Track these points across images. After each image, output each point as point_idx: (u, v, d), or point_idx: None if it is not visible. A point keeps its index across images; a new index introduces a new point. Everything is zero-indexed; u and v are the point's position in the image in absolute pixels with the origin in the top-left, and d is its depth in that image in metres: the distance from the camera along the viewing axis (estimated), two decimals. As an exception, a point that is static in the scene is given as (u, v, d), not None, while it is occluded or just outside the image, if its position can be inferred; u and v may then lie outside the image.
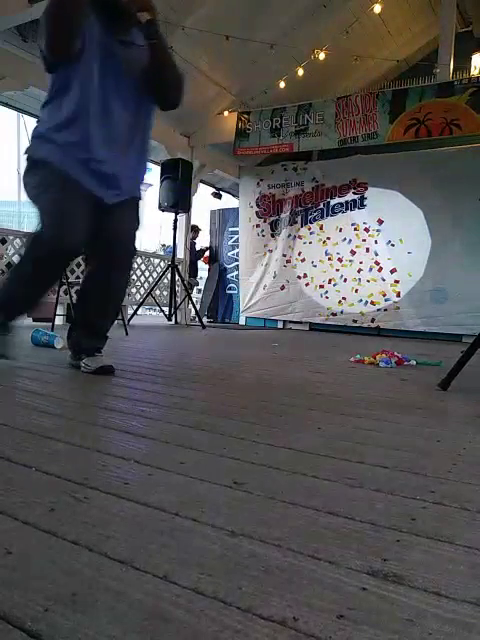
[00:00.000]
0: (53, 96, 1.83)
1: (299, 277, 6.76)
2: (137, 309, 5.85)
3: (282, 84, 5.85)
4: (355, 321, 6.30)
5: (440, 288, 5.72)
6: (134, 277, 6.17)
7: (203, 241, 8.34)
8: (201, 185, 7.60)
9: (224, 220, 8.02)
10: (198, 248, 8.11)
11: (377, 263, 6.20)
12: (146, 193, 2.08)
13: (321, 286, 6.59)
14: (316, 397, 1.74)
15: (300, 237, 6.79)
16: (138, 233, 2.06)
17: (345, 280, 6.41)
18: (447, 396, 1.86)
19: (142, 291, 6.16)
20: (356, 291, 6.33)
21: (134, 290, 6.16)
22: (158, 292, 6.31)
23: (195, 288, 8.81)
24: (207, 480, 0.84)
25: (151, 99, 1.94)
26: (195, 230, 7.91)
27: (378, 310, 6.17)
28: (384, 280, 6.14)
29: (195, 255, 7.87)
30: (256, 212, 7.11)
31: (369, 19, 5.68)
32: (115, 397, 1.52)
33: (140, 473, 0.86)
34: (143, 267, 6.31)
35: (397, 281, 6.06)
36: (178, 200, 5.41)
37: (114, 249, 1.93)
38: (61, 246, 1.78)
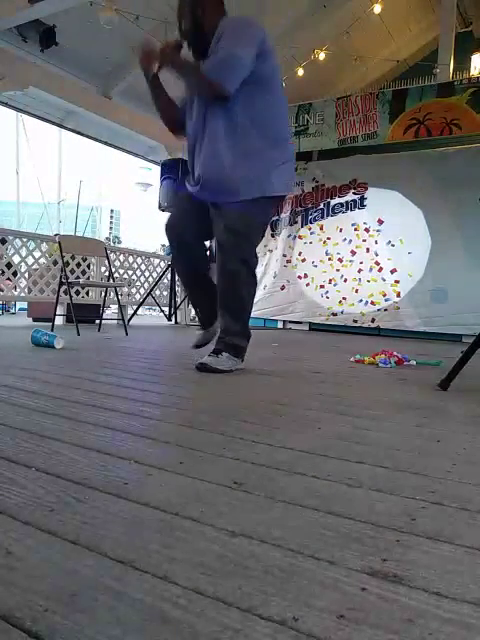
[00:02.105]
0: None
1: (299, 277, 6.76)
2: (137, 309, 5.85)
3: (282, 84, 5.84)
4: (355, 321, 6.30)
5: (440, 288, 5.72)
6: (134, 277, 6.17)
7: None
8: (201, 185, 7.59)
9: (224, 220, 8.02)
10: None
11: (377, 263, 6.20)
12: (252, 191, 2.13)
13: (321, 286, 6.59)
14: (316, 397, 1.74)
15: (300, 237, 6.79)
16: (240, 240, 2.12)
17: (345, 280, 6.41)
18: (447, 396, 1.86)
19: (142, 291, 6.16)
20: (356, 291, 6.33)
21: (134, 290, 6.16)
22: (158, 292, 6.31)
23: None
24: (207, 480, 0.84)
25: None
26: None
27: (378, 310, 6.17)
28: (384, 280, 6.14)
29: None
30: (256, 212, 7.10)
31: (369, 19, 5.67)
32: (115, 397, 1.52)
33: (140, 473, 0.86)
34: (143, 267, 6.32)
35: (397, 281, 6.05)
36: (178, 200, 5.42)
37: (214, 252, 2.18)
38: (167, 232, 2.24)
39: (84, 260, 5.49)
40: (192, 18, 2.05)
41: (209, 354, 2.16)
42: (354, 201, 6.36)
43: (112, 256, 5.58)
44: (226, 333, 2.18)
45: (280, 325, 7.07)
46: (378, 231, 6.20)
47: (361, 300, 6.29)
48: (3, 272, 4.64)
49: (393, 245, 6.09)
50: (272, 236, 6.99)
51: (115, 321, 6.01)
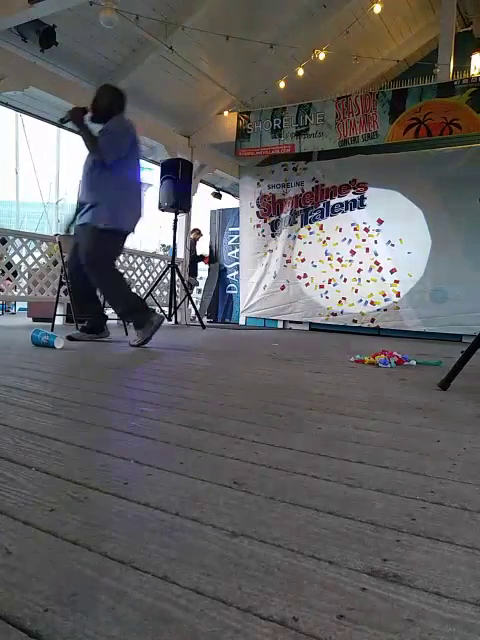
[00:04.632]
0: None
1: (299, 277, 6.76)
2: (137, 309, 5.84)
3: (282, 84, 5.84)
4: (355, 321, 6.30)
5: (440, 288, 5.72)
6: (134, 277, 6.18)
7: (204, 244, 8.34)
8: (201, 185, 7.60)
9: (224, 220, 8.02)
10: (199, 253, 8.11)
11: (377, 263, 6.20)
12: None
13: (321, 286, 6.59)
14: (316, 397, 1.74)
15: (300, 237, 6.78)
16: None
17: (345, 280, 6.41)
18: (447, 396, 1.86)
19: (142, 291, 6.16)
20: (356, 291, 6.33)
21: (134, 290, 6.16)
22: (158, 292, 6.31)
23: (195, 288, 8.81)
24: (207, 480, 0.84)
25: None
26: (197, 233, 7.90)
27: (378, 310, 6.17)
28: (384, 280, 6.14)
29: (194, 257, 7.87)
30: (256, 212, 7.10)
31: (369, 19, 5.67)
32: (115, 397, 1.52)
33: (140, 473, 0.86)
34: (143, 267, 6.31)
35: (397, 281, 6.05)
36: (178, 200, 5.41)
37: None
38: None
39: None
40: (94, 104, 3.26)
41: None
42: (354, 201, 6.36)
43: (112, 256, 5.56)
44: (121, 317, 3.72)
45: (280, 325, 7.07)
46: (378, 231, 6.20)
47: (361, 300, 6.29)
48: (3, 272, 4.63)
49: (393, 245, 6.09)
50: (272, 236, 6.99)
51: (115, 321, 6.01)
